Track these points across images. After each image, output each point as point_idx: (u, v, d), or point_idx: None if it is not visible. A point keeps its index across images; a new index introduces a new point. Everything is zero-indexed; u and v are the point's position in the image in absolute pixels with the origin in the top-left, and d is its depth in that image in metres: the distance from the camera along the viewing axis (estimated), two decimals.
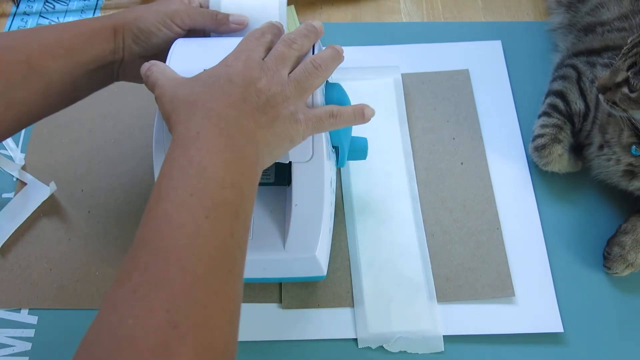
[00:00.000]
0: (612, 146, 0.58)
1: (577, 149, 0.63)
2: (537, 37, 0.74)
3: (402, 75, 0.70)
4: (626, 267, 0.57)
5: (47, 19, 0.78)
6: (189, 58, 0.50)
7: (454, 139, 0.66)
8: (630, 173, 0.58)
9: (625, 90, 0.52)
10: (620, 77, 0.53)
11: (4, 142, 0.65)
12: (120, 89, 0.70)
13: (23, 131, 0.67)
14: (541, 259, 0.59)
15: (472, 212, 0.61)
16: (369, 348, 0.55)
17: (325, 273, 0.53)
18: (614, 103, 0.53)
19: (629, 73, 0.52)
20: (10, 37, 0.49)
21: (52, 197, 0.62)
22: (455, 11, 0.77)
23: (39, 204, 0.62)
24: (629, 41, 0.54)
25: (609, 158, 0.59)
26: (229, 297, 0.35)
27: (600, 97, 0.55)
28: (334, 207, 0.56)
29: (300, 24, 0.75)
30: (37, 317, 0.57)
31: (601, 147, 0.59)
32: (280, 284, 0.58)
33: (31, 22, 0.77)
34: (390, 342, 0.54)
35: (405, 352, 0.54)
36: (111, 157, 0.65)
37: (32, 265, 0.59)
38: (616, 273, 0.57)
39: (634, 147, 0.55)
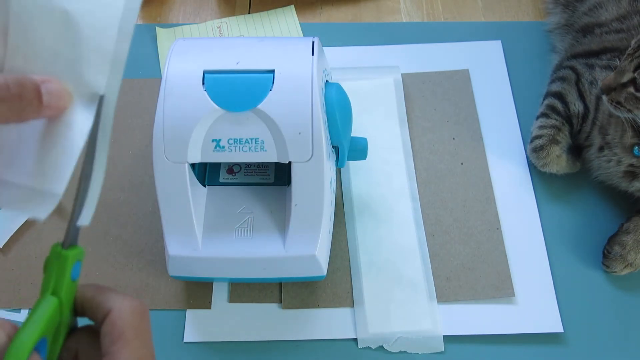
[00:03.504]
0: (613, 147, 0.58)
1: (576, 150, 0.63)
2: (537, 37, 0.74)
3: (402, 75, 0.70)
4: (625, 267, 0.57)
5: None
6: (189, 58, 0.51)
7: (454, 139, 0.66)
8: (631, 174, 0.58)
9: (632, 89, 0.52)
10: (626, 78, 0.53)
11: None
12: (120, 88, 0.70)
13: None
14: (541, 259, 0.59)
15: (472, 212, 0.61)
16: (369, 348, 0.55)
17: (325, 273, 0.53)
18: (619, 103, 0.53)
19: (635, 74, 0.52)
20: None
21: None
22: (455, 11, 0.77)
23: None
24: (632, 42, 0.54)
25: (610, 159, 0.59)
26: None
27: (604, 97, 0.55)
28: (334, 207, 0.56)
29: (300, 24, 0.75)
30: None
31: (601, 149, 0.59)
32: (280, 284, 0.58)
33: None
34: (390, 342, 0.54)
35: (405, 352, 0.54)
36: (111, 157, 0.65)
37: (33, 265, 0.59)
38: (614, 272, 0.57)
39: (636, 148, 0.55)
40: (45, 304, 0.31)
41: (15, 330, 0.30)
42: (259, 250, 0.51)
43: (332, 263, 0.57)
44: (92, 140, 0.32)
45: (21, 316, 0.57)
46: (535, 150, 0.61)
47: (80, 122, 0.32)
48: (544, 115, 0.63)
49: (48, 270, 0.32)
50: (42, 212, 0.31)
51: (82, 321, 0.34)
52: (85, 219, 0.33)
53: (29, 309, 0.57)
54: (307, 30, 0.75)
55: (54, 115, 0.31)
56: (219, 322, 0.56)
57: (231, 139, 0.48)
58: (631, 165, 0.57)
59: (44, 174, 0.32)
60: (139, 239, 0.60)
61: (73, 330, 0.33)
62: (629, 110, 0.53)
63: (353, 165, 0.64)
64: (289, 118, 0.48)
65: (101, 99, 0.32)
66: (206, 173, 0.56)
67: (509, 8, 0.78)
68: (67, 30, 0.31)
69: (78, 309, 0.33)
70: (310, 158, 0.48)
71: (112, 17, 0.31)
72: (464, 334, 0.55)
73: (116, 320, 0.31)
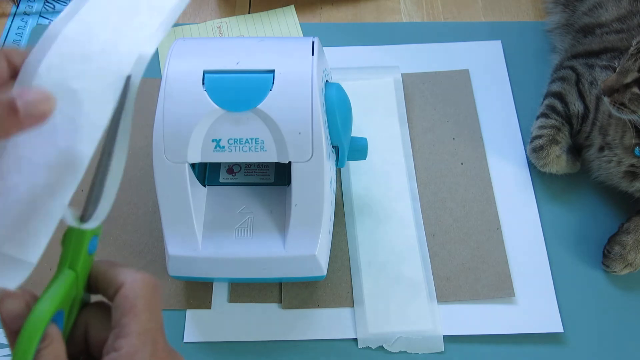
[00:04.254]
0: (614, 148, 0.58)
1: (576, 150, 0.63)
2: (537, 37, 0.74)
3: (402, 75, 0.70)
4: (625, 267, 0.57)
5: (47, 18, 0.78)
6: (189, 58, 0.51)
7: (454, 139, 0.66)
8: (631, 174, 0.57)
9: (636, 90, 0.51)
10: (630, 78, 0.52)
11: None
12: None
13: None
14: (541, 259, 0.59)
15: (472, 212, 0.61)
16: (369, 348, 0.55)
17: (325, 273, 0.53)
18: (622, 104, 0.53)
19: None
20: None
21: None
22: (455, 11, 0.78)
23: None
24: (634, 42, 0.53)
25: (610, 160, 0.58)
26: None
27: (606, 99, 0.54)
28: (334, 207, 0.56)
29: (300, 24, 0.75)
30: None
31: (601, 149, 0.59)
32: (280, 284, 0.58)
33: (31, 22, 0.77)
34: (390, 342, 0.54)
35: (405, 352, 0.54)
36: None
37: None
38: (614, 272, 0.57)
39: (637, 148, 0.55)
40: (63, 277, 0.32)
41: (35, 300, 0.31)
42: (259, 250, 0.51)
43: (332, 263, 0.57)
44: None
45: None
46: (535, 150, 0.61)
47: (62, 192, 0.32)
48: (544, 115, 0.63)
49: (66, 244, 0.32)
50: (12, 281, 0.30)
51: (94, 298, 0.34)
52: (96, 220, 0.33)
53: None
54: (307, 30, 0.75)
55: (39, 123, 0.30)
56: (219, 322, 0.56)
57: (231, 139, 0.48)
58: (632, 165, 0.57)
59: (18, 241, 0.31)
60: (139, 239, 0.60)
61: (85, 305, 0.34)
62: (633, 112, 0.52)
63: (353, 165, 0.64)
64: (289, 118, 0.48)
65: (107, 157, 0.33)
66: (206, 173, 0.56)
67: (509, 8, 0.78)
68: (71, 107, 0.31)
69: (91, 285, 0.33)
70: (310, 158, 0.48)
71: (114, 95, 0.33)
72: (464, 334, 0.55)
73: (128, 293, 0.31)
